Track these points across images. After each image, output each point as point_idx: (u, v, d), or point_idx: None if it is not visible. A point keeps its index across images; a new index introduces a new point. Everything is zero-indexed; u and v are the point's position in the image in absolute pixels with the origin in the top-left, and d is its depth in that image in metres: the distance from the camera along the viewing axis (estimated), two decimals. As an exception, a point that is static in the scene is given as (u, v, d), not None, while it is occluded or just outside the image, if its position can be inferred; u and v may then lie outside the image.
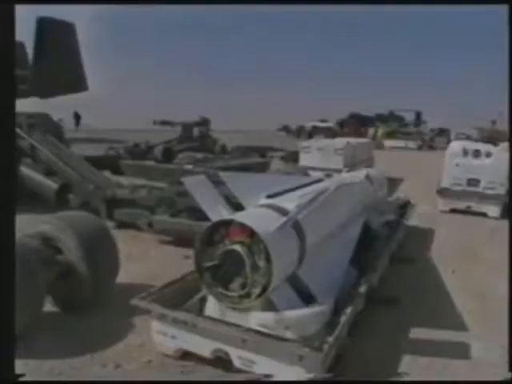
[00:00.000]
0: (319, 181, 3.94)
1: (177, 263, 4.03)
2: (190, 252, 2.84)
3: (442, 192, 7.49)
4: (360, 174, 4.61)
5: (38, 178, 6.04)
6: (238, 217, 2.39)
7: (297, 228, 2.49)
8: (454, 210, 7.36)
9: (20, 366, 2.37)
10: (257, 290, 2.27)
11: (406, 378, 2.49)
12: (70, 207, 5.49)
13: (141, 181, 6.28)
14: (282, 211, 2.53)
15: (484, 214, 7.14)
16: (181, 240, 4.74)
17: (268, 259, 2.21)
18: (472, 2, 4.36)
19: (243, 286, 2.30)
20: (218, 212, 2.64)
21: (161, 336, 2.57)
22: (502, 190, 7.06)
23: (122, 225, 5.22)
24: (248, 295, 2.30)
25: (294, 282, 2.55)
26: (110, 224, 4.98)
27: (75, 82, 8.89)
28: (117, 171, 7.71)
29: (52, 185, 5.88)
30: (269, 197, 2.83)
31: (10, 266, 1.99)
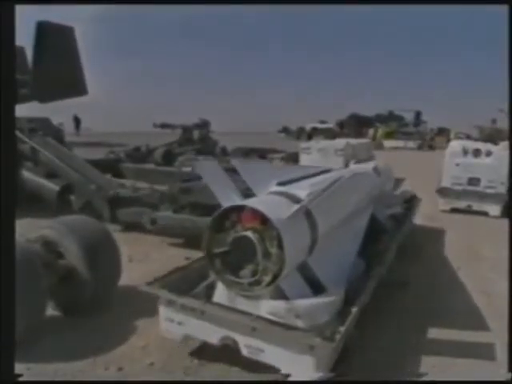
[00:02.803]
0: (328, 171, 3.91)
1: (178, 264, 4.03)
2: (191, 254, 2.86)
3: (443, 191, 7.49)
4: (368, 166, 4.58)
5: (40, 180, 6.05)
6: (251, 203, 2.34)
7: (309, 216, 2.44)
8: (454, 210, 7.36)
9: (22, 370, 2.38)
10: (267, 278, 2.23)
11: (406, 379, 2.49)
12: (72, 209, 5.49)
13: (141, 184, 6.28)
14: (294, 199, 2.49)
15: (485, 213, 7.14)
16: (184, 242, 4.75)
17: (280, 246, 2.16)
18: (472, 2, 4.37)
19: (254, 274, 2.26)
20: (230, 198, 2.58)
21: (167, 322, 2.54)
22: (502, 189, 7.06)
23: (128, 227, 5.22)
24: (258, 283, 2.26)
25: (303, 271, 2.50)
26: (115, 227, 5.02)
27: (75, 86, 8.87)
28: (117, 175, 7.71)
29: (53, 187, 5.88)
30: (279, 184, 2.78)
31: (10, 268, 2.00)
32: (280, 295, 2.33)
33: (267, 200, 2.55)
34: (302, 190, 2.60)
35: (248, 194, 2.71)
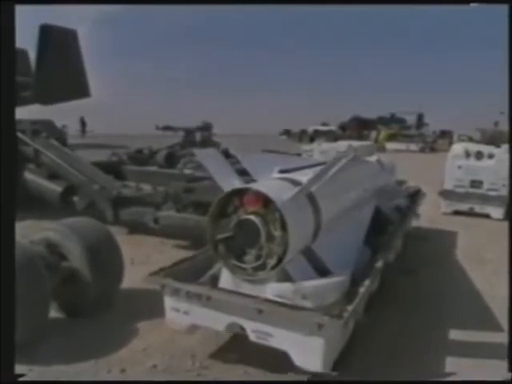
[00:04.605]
0: None
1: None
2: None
3: (445, 194, 7.48)
4: (371, 159, 4.58)
5: (42, 182, 6.05)
6: (253, 186, 2.33)
7: (311, 200, 2.43)
8: (456, 212, 7.35)
9: (25, 371, 2.38)
10: (272, 261, 2.22)
11: (406, 379, 2.49)
12: (75, 210, 5.49)
13: (144, 186, 6.30)
14: (296, 183, 2.47)
15: (487, 216, 7.12)
16: (186, 244, 4.73)
17: (283, 228, 2.16)
18: (472, 2, 4.36)
19: (258, 258, 2.25)
20: (231, 184, 2.54)
21: (173, 312, 2.51)
22: (504, 192, 7.03)
23: (133, 230, 5.20)
24: (263, 267, 2.25)
25: (309, 256, 2.48)
26: (121, 229, 5.02)
27: (78, 89, 8.90)
28: (120, 177, 7.72)
29: (56, 188, 5.89)
30: (282, 172, 2.77)
31: (10, 269, 2.01)
32: (285, 279, 2.31)
33: (269, 184, 2.53)
34: (304, 176, 2.58)
35: (249, 180, 2.69)
